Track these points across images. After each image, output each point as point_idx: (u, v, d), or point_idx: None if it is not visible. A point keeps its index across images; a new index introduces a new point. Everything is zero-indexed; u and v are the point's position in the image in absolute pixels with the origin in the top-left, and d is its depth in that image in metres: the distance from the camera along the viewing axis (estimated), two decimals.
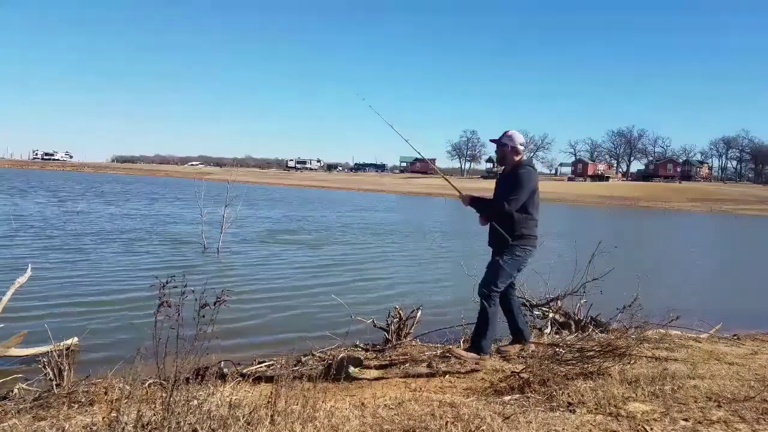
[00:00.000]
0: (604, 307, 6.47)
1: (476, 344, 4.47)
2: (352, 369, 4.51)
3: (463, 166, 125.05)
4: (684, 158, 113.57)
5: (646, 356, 4.81)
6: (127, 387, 2.71)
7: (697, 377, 4.10)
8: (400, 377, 4.41)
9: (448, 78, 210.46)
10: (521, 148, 4.58)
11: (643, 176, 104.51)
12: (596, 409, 3.36)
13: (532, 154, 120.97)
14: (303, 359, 5.18)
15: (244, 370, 4.81)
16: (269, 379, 4.26)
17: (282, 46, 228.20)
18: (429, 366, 4.64)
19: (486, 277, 4.50)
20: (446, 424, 2.97)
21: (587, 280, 6.45)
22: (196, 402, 2.72)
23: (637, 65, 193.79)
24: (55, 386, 4.20)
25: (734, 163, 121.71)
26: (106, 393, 2.96)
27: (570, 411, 3.33)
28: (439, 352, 5.18)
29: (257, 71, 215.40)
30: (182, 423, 2.54)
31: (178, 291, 2.87)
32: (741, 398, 3.57)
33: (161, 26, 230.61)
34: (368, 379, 4.44)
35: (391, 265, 13.32)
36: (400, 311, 5.79)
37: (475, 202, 4.73)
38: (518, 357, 4.78)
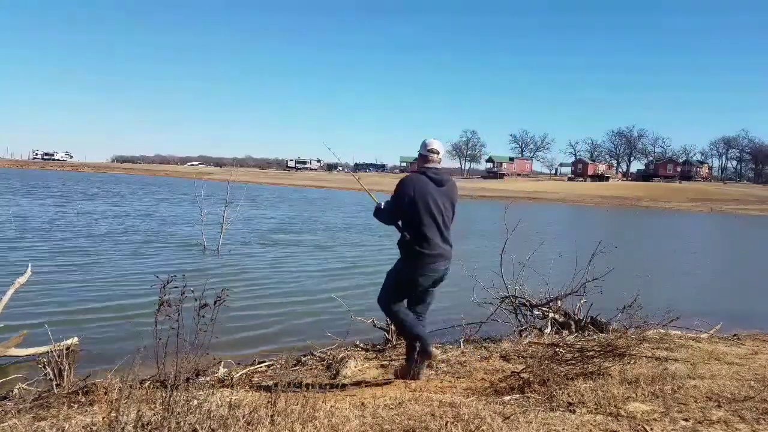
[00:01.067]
0: (604, 307, 6.47)
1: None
2: (351, 369, 4.51)
3: (463, 166, 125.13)
4: (684, 158, 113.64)
5: (646, 356, 4.81)
6: (127, 387, 2.71)
7: (697, 377, 4.10)
8: (400, 376, 4.40)
9: (448, 78, 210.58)
10: (429, 154, 4.24)
11: (643, 176, 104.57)
12: (596, 409, 3.36)
13: (532, 154, 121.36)
14: (303, 359, 5.18)
15: (244, 370, 4.81)
16: (267, 389, 4.25)
17: (282, 46, 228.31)
18: (429, 366, 4.64)
19: (381, 291, 4.32)
20: (446, 424, 2.97)
21: (587, 280, 6.45)
22: (196, 402, 2.72)
23: (637, 65, 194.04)
24: (55, 386, 4.20)
25: (734, 163, 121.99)
26: (106, 393, 2.96)
27: (570, 411, 3.33)
28: (440, 354, 5.18)
29: (257, 71, 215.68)
30: (182, 423, 2.54)
31: (179, 291, 2.88)
32: (741, 398, 3.57)
33: (161, 26, 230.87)
34: (368, 380, 4.44)
35: (391, 265, 13.31)
36: None
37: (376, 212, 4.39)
38: (519, 357, 4.76)
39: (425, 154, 4.25)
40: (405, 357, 4.43)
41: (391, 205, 4.22)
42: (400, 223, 4.23)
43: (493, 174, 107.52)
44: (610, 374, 4.04)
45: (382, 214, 4.29)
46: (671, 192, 74.23)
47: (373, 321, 5.95)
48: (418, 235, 4.10)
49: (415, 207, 4.10)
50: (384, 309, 4.28)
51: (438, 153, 4.26)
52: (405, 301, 4.29)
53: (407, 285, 4.21)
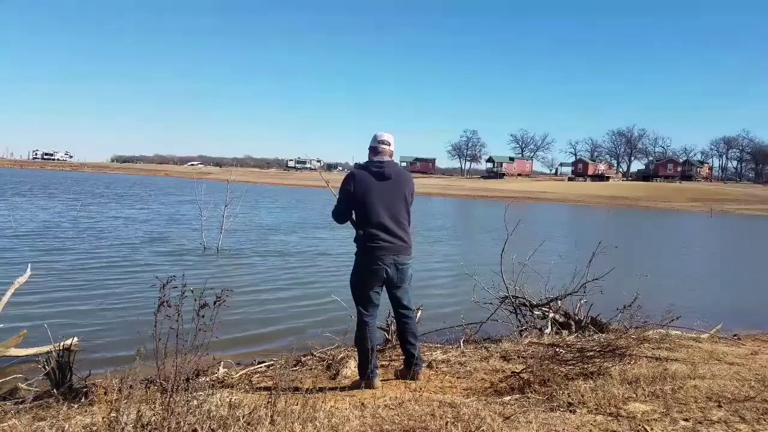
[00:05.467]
0: (604, 307, 6.47)
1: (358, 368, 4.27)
2: (351, 369, 4.51)
3: (463, 166, 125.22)
4: (684, 158, 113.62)
5: (646, 356, 4.81)
6: (127, 387, 2.71)
7: (697, 377, 4.10)
8: (400, 377, 4.40)
9: (449, 78, 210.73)
10: (379, 146, 4.21)
11: (644, 176, 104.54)
12: (596, 409, 3.36)
13: (532, 154, 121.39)
14: (303, 359, 5.18)
15: (244, 370, 4.81)
16: (267, 389, 4.25)
17: (281, 46, 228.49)
18: (429, 366, 4.64)
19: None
20: (446, 425, 2.97)
21: (587, 280, 6.44)
22: (195, 402, 2.72)
23: (637, 64, 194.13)
24: (55, 386, 4.20)
25: (735, 163, 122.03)
26: (106, 393, 2.95)
27: (570, 411, 3.33)
28: (438, 355, 5.18)
29: (257, 71, 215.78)
30: (182, 423, 2.54)
31: (178, 291, 2.87)
32: (741, 398, 3.57)
33: (161, 26, 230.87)
34: None
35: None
36: None
37: None
38: (520, 357, 4.75)
39: (375, 146, 4.22)
40: (404, 357, 4.44)
41: (337, 203, 4.22)
42: (354, 218, 4.22)
43: (493, 174, 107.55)
44: (610, 374, 4.04)
45: (333, 213, 4.30)
46: (672, 192, 74.17)
47: None
48: (364, 229, 4.10)
49: (356, 202, 4.11)
50: (358, 314, 4.24)
51: (389, 144, 4.23)
52: (374, 311, 4.23)
53: (363, 280, 4.16)
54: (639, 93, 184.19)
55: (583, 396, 3.55)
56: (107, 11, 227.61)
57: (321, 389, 3.99)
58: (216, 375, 4.57)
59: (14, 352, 5.45)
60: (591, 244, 6.96)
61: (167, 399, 2.61)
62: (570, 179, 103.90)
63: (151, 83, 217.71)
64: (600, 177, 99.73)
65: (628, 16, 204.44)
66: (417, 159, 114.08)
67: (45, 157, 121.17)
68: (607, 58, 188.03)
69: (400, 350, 5.16)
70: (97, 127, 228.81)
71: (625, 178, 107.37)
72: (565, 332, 6.10)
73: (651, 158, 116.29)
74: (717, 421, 3.17)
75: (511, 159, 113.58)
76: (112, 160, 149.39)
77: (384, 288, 4.21)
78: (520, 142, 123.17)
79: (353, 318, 4.37)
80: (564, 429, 3.03)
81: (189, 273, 4.89)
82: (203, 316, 2.93)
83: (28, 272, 5.94)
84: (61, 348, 4.45)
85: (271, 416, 2.78)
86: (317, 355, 5.23)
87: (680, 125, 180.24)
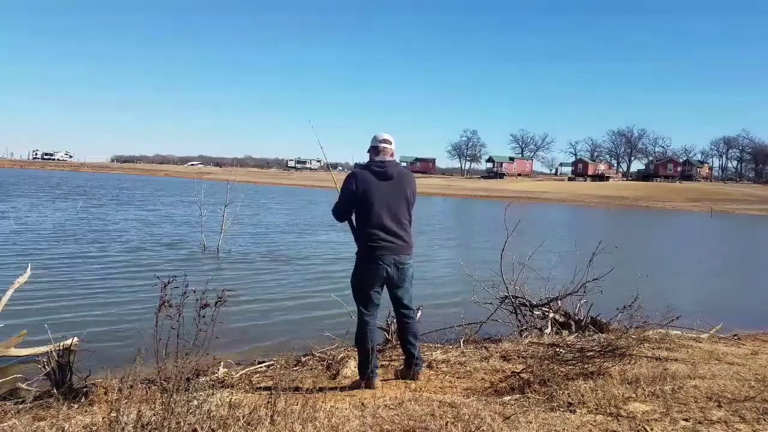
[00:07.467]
0: (604, 307, 6.47)
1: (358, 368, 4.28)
2: (351, 369, 4.51)
3: (463, 166, 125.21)
4: (684, 158, 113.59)
5: (646, 356, 4.81)
6: (127, 387, 2.71)
7: (697, 377, 4.10)
8: (400, 377, 4.40)
9: (448, 77, 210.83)
10: (380, 145, 4.23)
11: (644, 176, 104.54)
12: (596, 409, 3.36)
13: (532, 154, 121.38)
14: (303, 359, 5.18)
15: (244, 370, 4.81)
16: (267, 389, 4.25)
17: (281, 46, 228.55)
18: (429, 366, 4.64)
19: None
20: (446, 424, 2.96)
21: (587, 280, 6.44)
22: (196, 402, 2.72)
23: (637, 64, 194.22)
24: (55, 386, 4.20)
25: (734, 163, 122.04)
26: (106, 393, 2.95)
27: (570, 411, 3.33)
28: (438, 355, 5.18)
29: (257, 71, 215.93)
30: (182, 423, 2.54)
31: (179, 291, 2.87)
32: (741, 398, 3.57)
33: (159, 26, 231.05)
34: None
35: None
36: None
37: None
38: (518, 358, 4.75)
39: (376, 146, 4.24)
40: (405, 357, 4.44)
41: (339, 202, 4.23)
42: (353, 219, 4.23)
43: (493, 174, 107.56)
44: (610, 374, 4.04)
45: (334, 212, 4.30)
46: (671, 192, 74.16)
47: None
48: (364, 228, 4.11)
49: (358, 202, 4.12)
50: (358, 315, 4.25)
51: (390, 144, 4.25)
52: (375, 311, 4.24)
53: (363, 279, 4.17)
54: (639, 93, 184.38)
55: (583, 396, 3.55)
56: (106, 11, 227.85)
57: (321, 389, 4.00)
58: (216, 375, 4.57)
59: (14, 352, 5.46)
60: (591, 244, 6.95)
61: (167, 399, 2.61)
62: (570, 179, 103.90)
63: (152, 83, 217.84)
64: (600, 177, 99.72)
65: (629, 16, 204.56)
66: (417, 159, 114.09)
67: (45, 157, 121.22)
68: (607, 58, 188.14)
69: (400, 350, 5.16)
70: (97, 127, 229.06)
71: (625, 178, 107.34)
72: (565, 332, 6.09)
73: (651, 158, 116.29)
74: (717, 421, 3.17)
75: (511, 159, 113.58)
76: (112, 160, 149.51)
77: (385, 288, 4.21)
78: (520, 142, 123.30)
79: (353, 318, 4.38)
80: (564, 429, 3.03)
81: (189, 273, 4.87)
82: (204, 316, 2.93)
83: (28, 272, 5.94)
84: (61, 348, 4.45)
85: (271, 416, 2.78)
86: (317, 355, 5.23)
87: (680, 125, 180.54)
